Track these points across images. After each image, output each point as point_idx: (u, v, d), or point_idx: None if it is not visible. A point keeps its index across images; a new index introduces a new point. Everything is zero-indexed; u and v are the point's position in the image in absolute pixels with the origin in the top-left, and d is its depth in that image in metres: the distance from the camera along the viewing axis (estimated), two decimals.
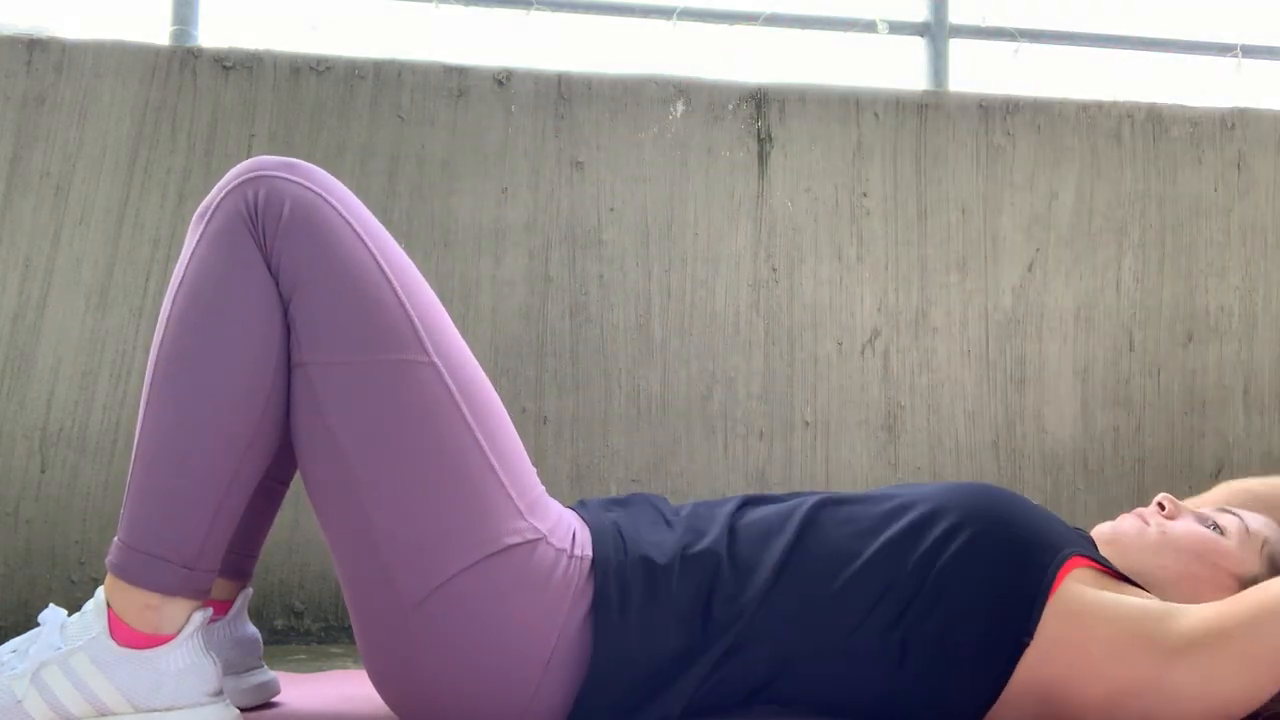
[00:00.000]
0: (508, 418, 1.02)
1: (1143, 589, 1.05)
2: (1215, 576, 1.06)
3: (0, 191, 1.69)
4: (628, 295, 1.81)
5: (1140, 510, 1.15)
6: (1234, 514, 1.12)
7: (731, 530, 1.03)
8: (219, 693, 0.98)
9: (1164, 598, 1.05)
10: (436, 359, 0.96)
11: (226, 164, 1.73)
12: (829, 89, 1.90)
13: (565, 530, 1.01)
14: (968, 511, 1.01)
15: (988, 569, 0.98)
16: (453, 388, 0.96)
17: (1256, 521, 1.11)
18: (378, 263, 0.96)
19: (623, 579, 0.97)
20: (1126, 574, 1.07)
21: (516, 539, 0.95)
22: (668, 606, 0.97)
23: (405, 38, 1.96)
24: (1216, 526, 1.10)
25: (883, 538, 1.00)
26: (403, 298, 0.96)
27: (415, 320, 0.96)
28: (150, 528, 0.94)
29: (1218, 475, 1.94)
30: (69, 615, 0.97)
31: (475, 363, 1.02)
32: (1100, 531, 1.13)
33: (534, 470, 1.03)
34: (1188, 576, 1.07)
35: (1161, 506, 1.14)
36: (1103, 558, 1.07)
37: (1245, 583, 1.06)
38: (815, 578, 0.99)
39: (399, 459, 0.94)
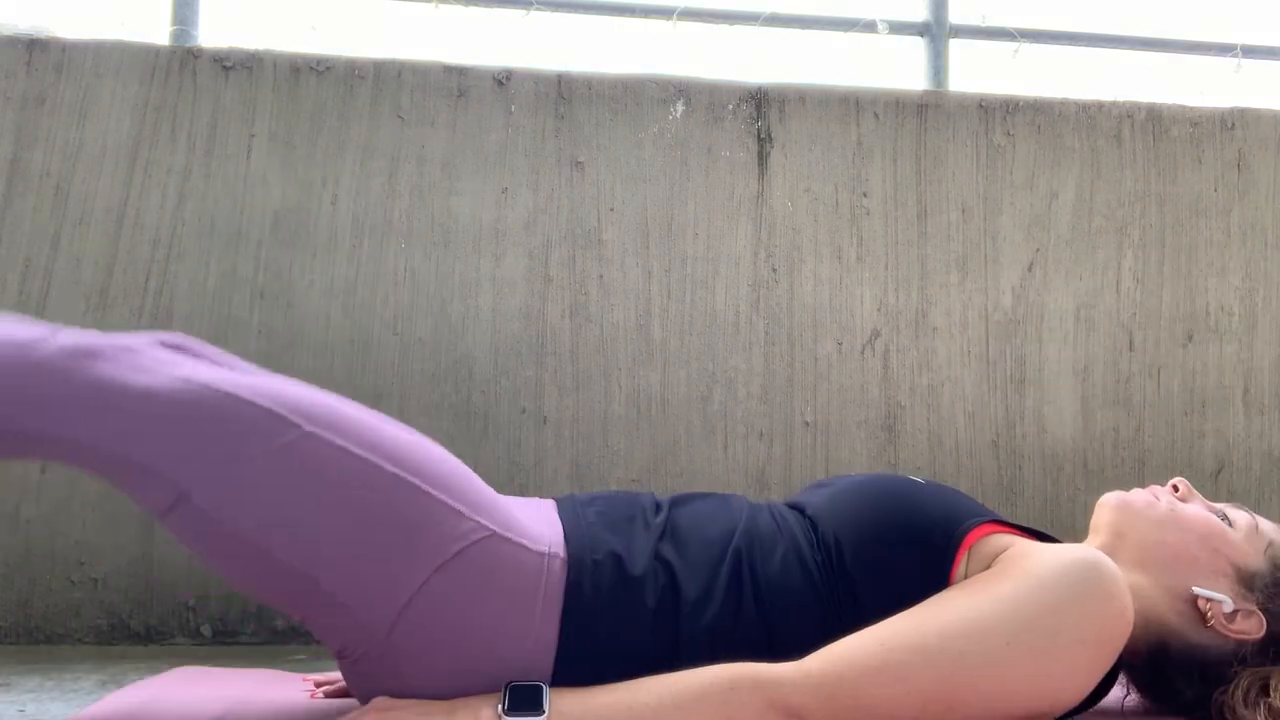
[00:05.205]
0: (419, 436, 1.02)
1: (1041, 537, 1.07)
2: (1214, 562, 1.08)
3: (0, 192, 1.69)
4: (628, 295, 1.81)
5: (1154, 487, 1.16)
6: (1245, 511, 1.13)
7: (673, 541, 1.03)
8: None
9: (1157, 575, 1.08)
10: (311, 427, 0.94)
11: (226, 164, 1.73)
12: (829, 89, 1.90)
13: (524, 524, 1.00)
14: (851, 526, 1.03)
15: (897, 579, 0.99)
16: (337, 441, 0.94)
17: (1267, 524, 1.13)
18: (202, 382, 0.94)
19: (596, 581, 0.97)
20: (1128, 544, 1.09)
21: (463, 542, 0.95)
22: (640, 612, 0.97)
23: (405, 38, 1.96)
24: (1225, 517, 1.12)
25: (809, 571, 1.01)
26: (246, 396, 0.94)
27: (269, 408, 0.94)
28: None
29: (1218, 475, 1.94)
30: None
31: (356, 406, 1.00)
32: (1108, 498, 1.15)
33: (473, 474, 1.02)
34: (1186, 557, 1.09)
35: (1175, 488, 1.15)
36: (995, 516, 1.06)
37: (1244, 576, 1.08)
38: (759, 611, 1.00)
39: (316, 524, 0.93)
